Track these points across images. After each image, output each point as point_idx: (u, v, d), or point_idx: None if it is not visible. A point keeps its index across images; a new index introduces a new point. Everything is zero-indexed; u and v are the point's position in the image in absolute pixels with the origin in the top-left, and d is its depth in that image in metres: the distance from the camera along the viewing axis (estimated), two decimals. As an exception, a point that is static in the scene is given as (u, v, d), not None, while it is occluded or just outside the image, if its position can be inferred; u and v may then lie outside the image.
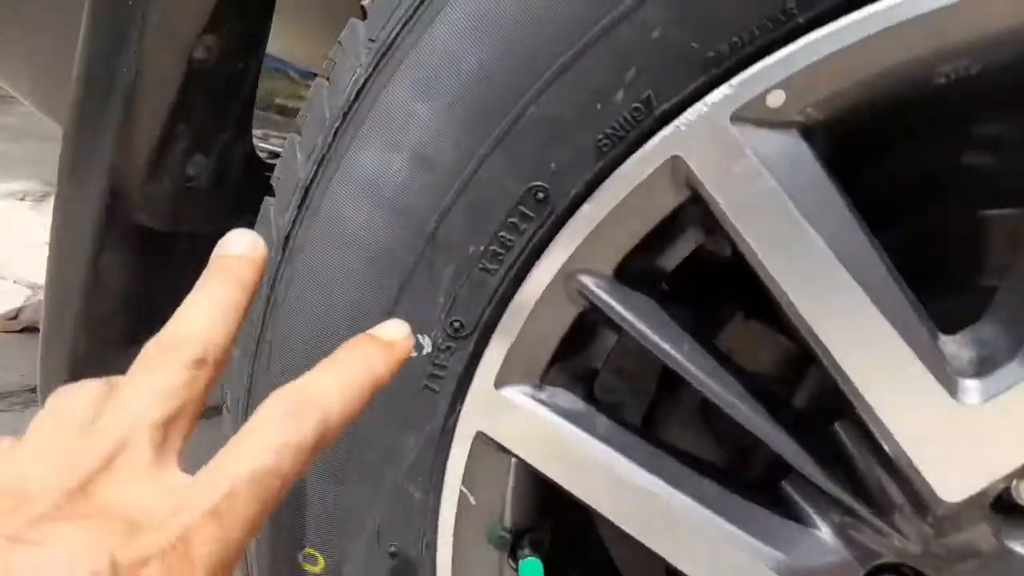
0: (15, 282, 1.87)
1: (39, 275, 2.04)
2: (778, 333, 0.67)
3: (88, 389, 0.40)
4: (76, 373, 0.71)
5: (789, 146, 0.49)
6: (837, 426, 0.58)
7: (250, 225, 0.77)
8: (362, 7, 0.58)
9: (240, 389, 0.64)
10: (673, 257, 0.58)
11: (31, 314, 1.75)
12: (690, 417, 0.70)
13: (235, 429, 0.65)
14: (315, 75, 0.59)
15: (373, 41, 0.54)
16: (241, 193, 0.85)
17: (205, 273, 0.43)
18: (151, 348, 0.40)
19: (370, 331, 0.44)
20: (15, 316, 1.73)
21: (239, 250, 0.44)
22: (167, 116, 0.70)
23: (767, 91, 0.48)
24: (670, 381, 0.70)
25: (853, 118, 0.52)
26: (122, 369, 0.83)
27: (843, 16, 0.46)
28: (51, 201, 2.38)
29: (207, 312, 0.41)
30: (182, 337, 0.40)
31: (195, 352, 0.39)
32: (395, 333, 0.44)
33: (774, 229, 0.49)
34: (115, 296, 0.75)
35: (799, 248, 0.49)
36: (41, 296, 1.82)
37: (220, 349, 0.41)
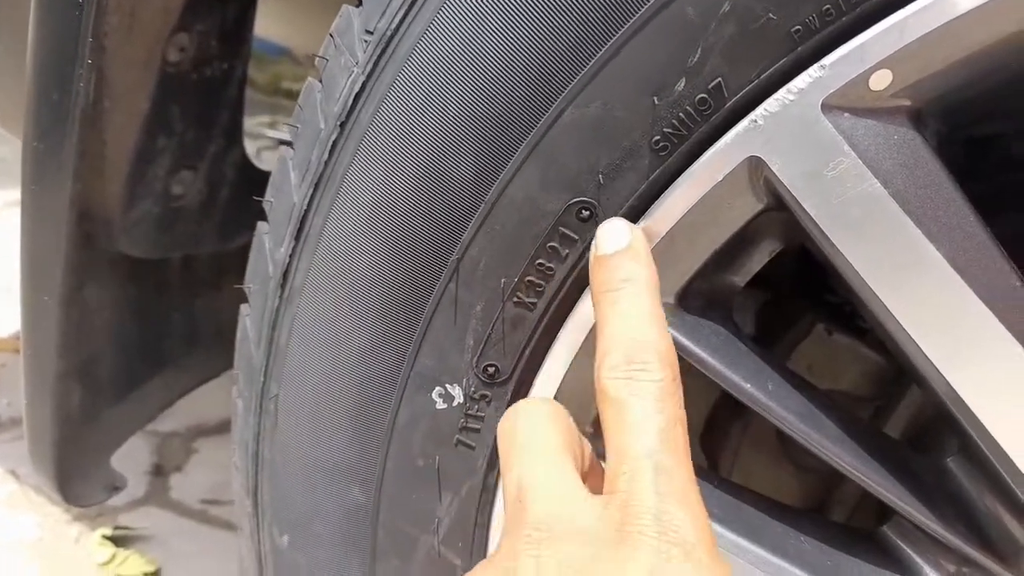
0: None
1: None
2: (868, 348, 0.57)
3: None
4: (70, 432, 0.63)
5: (898, 139, 0.39)
6: (951, 462, 0.49)
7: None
8: (354, -8, 0.48)
9: (246, 447, 0.55)
10: (746, 271, 0.48)
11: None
12: (767, 448, 0.61)
13: (246, 487, 0.57)
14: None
15: (371, 33, 0.45)
16: (237, 207, 0.76)
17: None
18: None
19: (595, 252, 0.42)
20: (24, 333, 1.66)
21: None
22: (141, 130, 0.60)
23: (870, 71, 0.38)
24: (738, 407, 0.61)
25: (970, 91, 0.41)
26: (121, 424, 0.73)
27: (973, -32, 0.35)
28: None
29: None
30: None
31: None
32: (618, 237, 0.41)
33: (882, 244, 0.39)
34: (103, 336, 0.67)
35: (913, 267, 0.39)
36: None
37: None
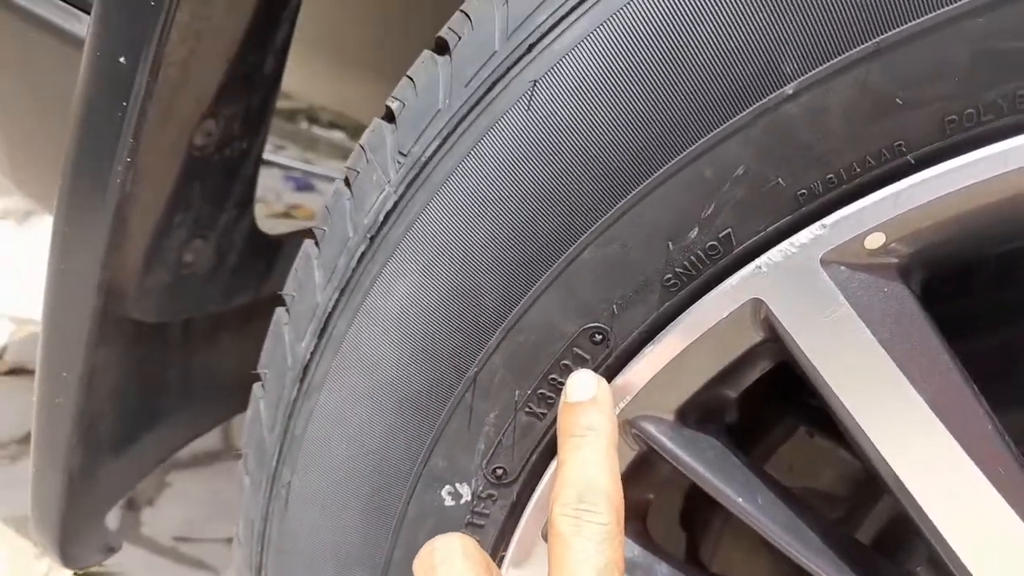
0: (-3, 315, 1.78)
1: (24, 307, 1.94)
2: (846, 451, 0.61)
3: None
4: (72, 494, 0.64)
5: (888, 291, 0.43)
6: (920, 572, 0.53)
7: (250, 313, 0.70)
8: (387, 106, 0.51)
9: (251, 525, 0.57)
10: (739, 386, 0.52)
11: (17, 353, 1.66)
12: (746, 535, 0.64)
13: (249, 563, 0.59)
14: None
15: (404, 155, 0.48)
16: (239, 271, 0.78)
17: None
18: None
19: (564, 399, 0.46)
20: None
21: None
22: (163, 209, 0.62)
23: (865, 233, 0.42)
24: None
25: (957, 247, 0.46)
26: (117, 482, 0.74)
27: (960, 155, 0.39)
28: (34, 221, 2.22)
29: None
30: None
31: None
32: (586, 388, 0.45)
33: (870, 386, 0.43)
34: (106, 397, 0.68)
35: (897, 408, 0.43)
36: (27, 331, 1.73)
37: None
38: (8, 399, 1.50)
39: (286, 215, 2.53)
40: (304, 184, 2.84)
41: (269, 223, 0.82)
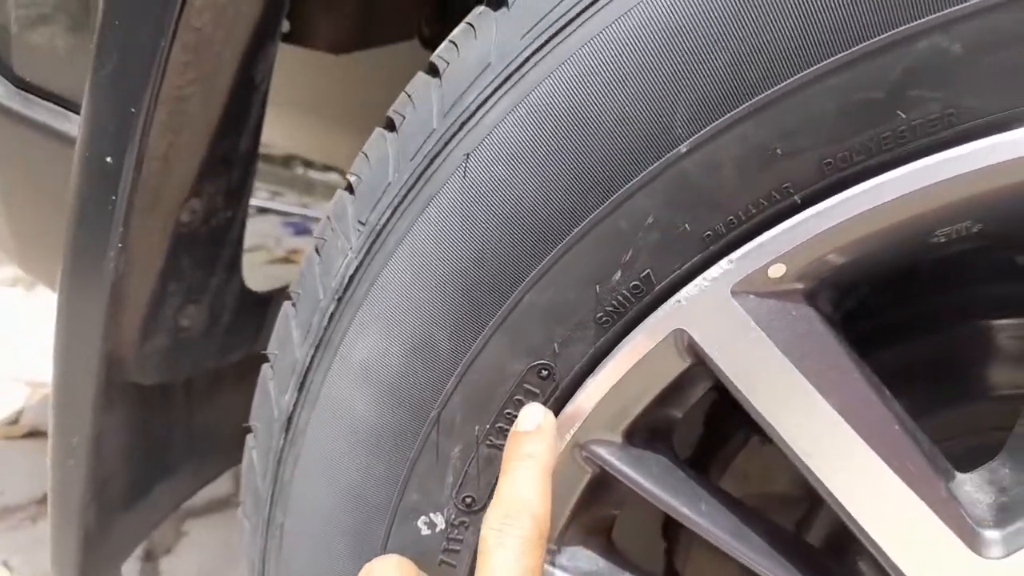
0: (13, 380, 1.85)
1: (37, 370, 2.01)
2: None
3: None
4: (88, 550, 0.70)
5: (794, 313, 0.48)
6: (860, 561, 0.58)
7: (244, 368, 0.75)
8: (348, 180, 0.57)
9: (252, 564, 0.63)
10: (684, 406, 0.57)
11: (34, 416, 1.72)
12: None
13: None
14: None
15: (363, 224, 0.54)
16: (232, 329, 0.84)
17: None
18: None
19: (514, 429, 0.51)
20: (16, 420, 1.70)
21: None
22: (156, 282, 0.69)
23: (767, 264, 0.47)
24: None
25: (855, 268, 0.51)
26: (130, 533, 0.80)
27: (841, 192, 0.45)
28: (42, 288, 2.30)
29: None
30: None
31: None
32: (532, 419, 0.51)
33: (782, 397, 0.48)
34: (116, 457, 0.74)
35: (807, 415, 0.48)
36: (42, 394, 1.80)
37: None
38: (26, 461, 1.56)
39: (286, 260, 2.60)
40: (302, 228, 2.90)
41: (270, 269, 0.87)
